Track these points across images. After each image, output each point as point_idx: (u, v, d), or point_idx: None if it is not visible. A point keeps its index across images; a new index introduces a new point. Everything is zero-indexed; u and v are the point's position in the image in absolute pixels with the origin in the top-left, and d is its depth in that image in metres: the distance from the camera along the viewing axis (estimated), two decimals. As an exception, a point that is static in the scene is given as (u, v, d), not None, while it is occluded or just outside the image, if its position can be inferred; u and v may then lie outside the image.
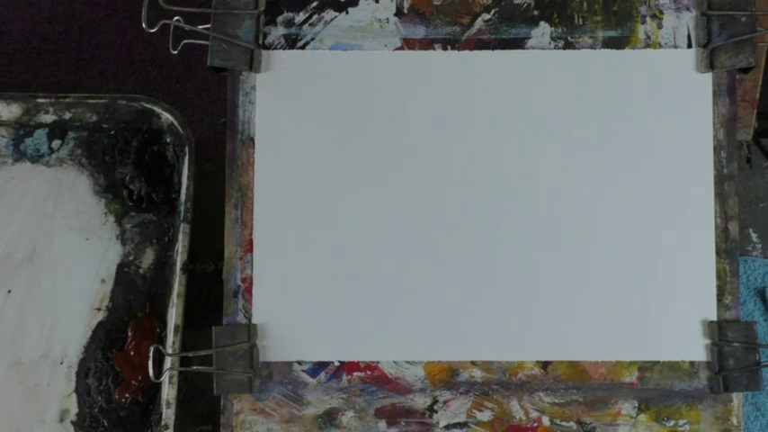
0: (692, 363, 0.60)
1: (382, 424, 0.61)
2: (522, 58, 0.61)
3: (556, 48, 0.61)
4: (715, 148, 0.60)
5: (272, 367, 0.61)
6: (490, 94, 0.61)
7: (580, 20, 0.61)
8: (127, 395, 0.65)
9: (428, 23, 0.62)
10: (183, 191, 0.66)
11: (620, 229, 0.60)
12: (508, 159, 0.61)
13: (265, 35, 0.62)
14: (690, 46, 0.61)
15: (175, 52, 0.58)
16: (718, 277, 0.60)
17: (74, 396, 0.66)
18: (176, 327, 0.62)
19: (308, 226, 0.61)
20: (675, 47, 0.61)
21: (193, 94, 0.79)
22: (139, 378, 0.66)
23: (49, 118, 0.70)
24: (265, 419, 0.61)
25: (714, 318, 0.60)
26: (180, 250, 0.64)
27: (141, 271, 0.68)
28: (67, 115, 0.70)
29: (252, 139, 0.61)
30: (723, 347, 0.59)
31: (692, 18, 0.61)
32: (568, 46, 0.61)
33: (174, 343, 0.62)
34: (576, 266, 0.60)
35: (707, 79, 0.61)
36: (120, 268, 0.68)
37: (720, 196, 0.60)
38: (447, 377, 0.61)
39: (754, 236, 0.72)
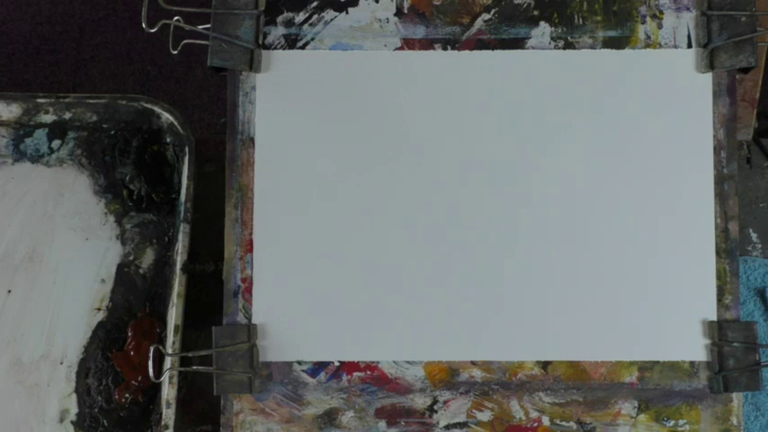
0: (692, 363, 0.60)
1: (382, 424, 0.61)
2: (522, 58, 0.61)
3: (556, 48, 0.61)
4: (715, 148, 0.60)
5: (272, 367, 0.61)
6: (490, 94, 0.61)
7: (580, 20, 0.61)
8: (127, 395, 0.65)
9: (428, 23, 0.62)
10: (183, 191, 0.66)
11: (620, 229, 0.60)
12: (508, 159, 0.61)
13: (265, 35, 0.62)
14: (690, 46, 0.61)
15: (175, 52, 0.58)
16: (718, 277, 0.60)
17: (74, 396, 0.66)
18: (176, 327, 0.62)
19: (308, 226, 0.61)
20: (675, 47, 0.61)
21: (193, 94, 0.79)
22: (139, 378, 0.66)
23: (48, 118, 0.70)
24: (265, 419, 0.61)
25: (714, 318, 0.60)
26: (180, 250, 0.64)
27: (141, 271, 0.68)
28: (67, 115, 0.69)
29: (252, 139, 0.61)
30: (723, 347, 0.59)
31: (692, 18, 0.61)
32: (568, 46, 0.61)
33: (174, 343, 0.62)
34: (576, 266, 0.60)
35: (707, 79, 0.61)
36: (120, 268, 0.68)
37: (720, 196, 0.60)
38: (447, 377, 0.61)
39: (754, 236, 0.72)
